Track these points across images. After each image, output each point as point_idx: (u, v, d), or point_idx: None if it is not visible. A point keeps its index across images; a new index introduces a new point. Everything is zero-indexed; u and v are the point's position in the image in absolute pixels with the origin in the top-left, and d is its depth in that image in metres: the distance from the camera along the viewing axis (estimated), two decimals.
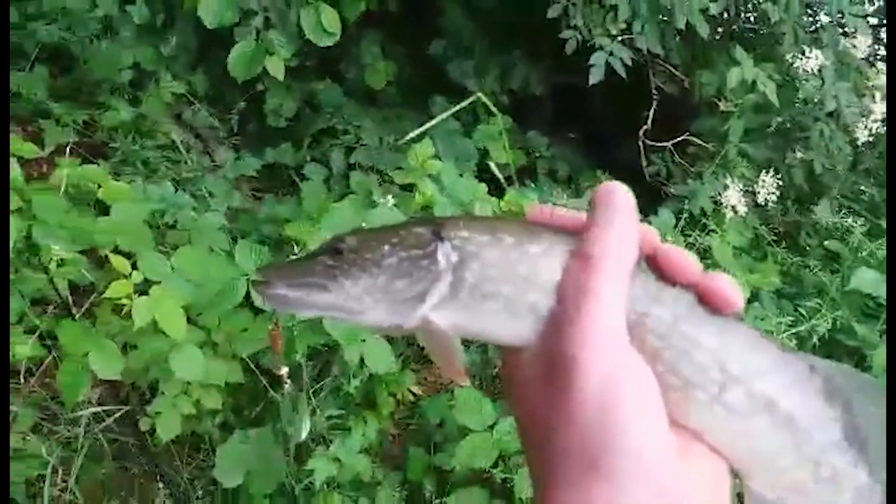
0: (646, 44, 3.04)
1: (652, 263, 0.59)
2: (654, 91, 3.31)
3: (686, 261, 0.59)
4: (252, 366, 2.01)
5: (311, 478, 1.94)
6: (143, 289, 1.87)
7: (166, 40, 3.08)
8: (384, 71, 3.66)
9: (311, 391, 1.98)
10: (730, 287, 0.58)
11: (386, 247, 0.61)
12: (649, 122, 3.31)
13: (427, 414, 2.26)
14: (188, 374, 1.89)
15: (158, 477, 2.23)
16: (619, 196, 0.58)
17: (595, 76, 2.95)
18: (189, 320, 1.92)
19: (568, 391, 0.53)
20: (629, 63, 2.99)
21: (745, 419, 0.57)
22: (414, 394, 2.40)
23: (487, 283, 0.59)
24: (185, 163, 3.01)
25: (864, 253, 2.37)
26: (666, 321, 0.57)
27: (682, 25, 3.01)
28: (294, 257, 0.69)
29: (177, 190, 2.58)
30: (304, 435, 1.81)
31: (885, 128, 3.19)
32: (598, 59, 2.96)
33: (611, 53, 2.98)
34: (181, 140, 3.14)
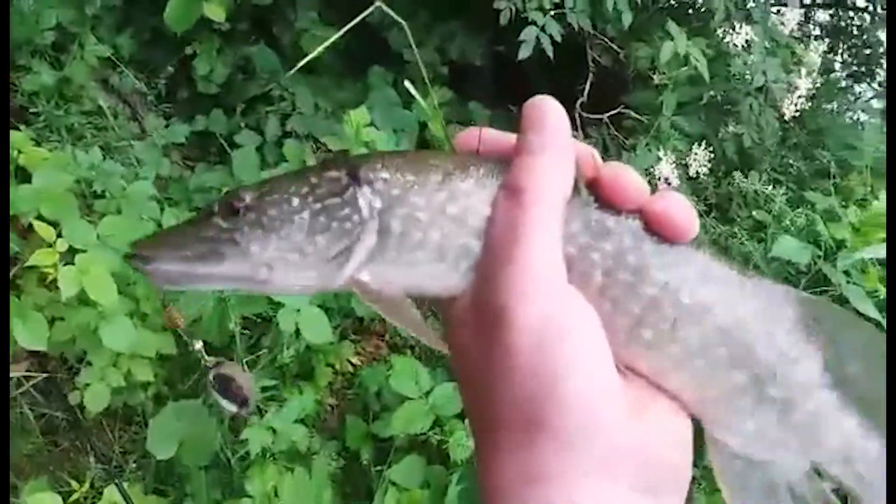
0: (577, 20, 3.03)
1: (593, 189, 0.52)
2: (590, 63, 3.33)
3: (631, 184, 0.51)
4: (185, 337, 1.97)
5: (247, 448, 1.93)
6: (69, 259, 1.81)
7: (90, 0, 2.94)
8: (321, 38, 3.58)
9: (245, 361, 1.95)
10: (681, 211, 0.51)
11: (295, 199, 0.52)
12: (585, 94, 3.33)
13: (365, 383, 2.26)
14: (118, 344, 1.84)
15: (90, 450, 2.18)
16: (550, 116, 0.50)
17: (524, 51, 2.94)
18: (120, 291, 1.87)
19: (500, 342, 0.47)
20: (558, 39, 2.97)
21: (699, 356, 0.51)
22: (353, 364, 2.40)
23: (416, 230, 0.51)
24: (113, 129, 2.90)
25: (786, 221, 2.45)
26: (611, 254, 0.50)
27: (609, 7, 3.01)
28: (179, 223, 0.57)
29: (105, 157, 2.49)
30: (235, 409, 1.78)
31: (809, 104, 3.31)
32: (528, 34, 2.94)
33: (542, 28, 2.96)
34: (108, 106, 3.03)
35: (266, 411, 1.96)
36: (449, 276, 0.51)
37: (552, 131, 0.50)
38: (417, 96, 0.68)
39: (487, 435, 0.50)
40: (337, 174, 0.52)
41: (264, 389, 2.02)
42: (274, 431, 1.92)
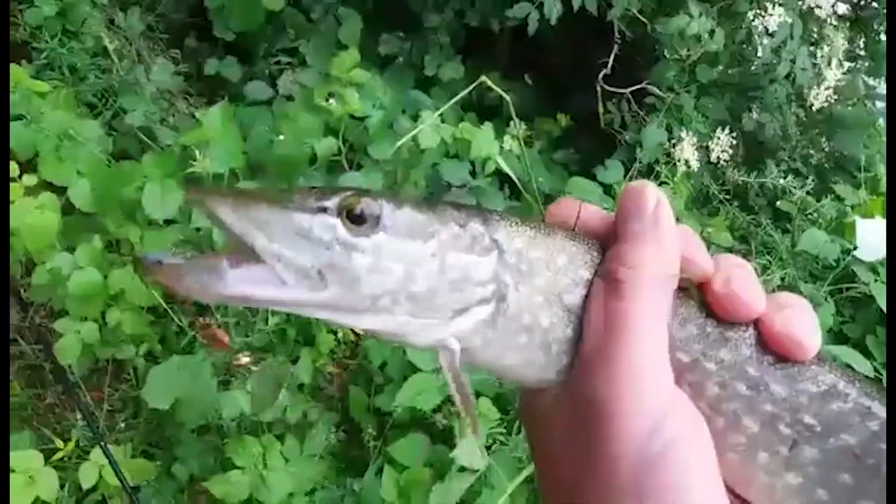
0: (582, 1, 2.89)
1: (705, 293, 0.47)
2: (616, 35, 3.21)
3: (746, 293, 0.46)
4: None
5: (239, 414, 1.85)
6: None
7: None
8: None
9: (237, 322, 1.86)
10: (801, 327, 0.46)
11: (434, 240, 0.43)
12: (609, 67, 3.21)
13: (369, 355, 2.17)
14: (88, 293, 1.75)
15: (76, 408, 2.10)
16: (651, 202, 0.46)
17: (512, 22, 2.77)
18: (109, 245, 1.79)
19: (600, 445, 0.43)
20: (553, 21, 2.83)
21: (820, 485, 0.45)
22: (356, 333, 2.31)
23: (530, 313, 0.45)
24: (117, 72, 2.78)
25: (811, 212, 2.37)
26: (728, 364, 0.46)
27: None
28: (263, 191, 0.42)
29: (106, 100, 2.38)
30: None
31: (836, 97, 3.21)
32: (520, 10, 2.80)
33: (540, 4, 2.80)
34: (114, 48, 2.90)
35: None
36: (546, 368, 0.46)
37: (651, 218, 0.46)
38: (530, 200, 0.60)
39: None
40: (479, 227, 0.45)
41: (256, 349, 1.93)
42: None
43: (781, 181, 2.64)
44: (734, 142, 2.91)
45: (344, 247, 0.42)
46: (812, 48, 3.17)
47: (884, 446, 0.46)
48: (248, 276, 0.40)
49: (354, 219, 0.42)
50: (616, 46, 3.18)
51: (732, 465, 0.46)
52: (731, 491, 0.46)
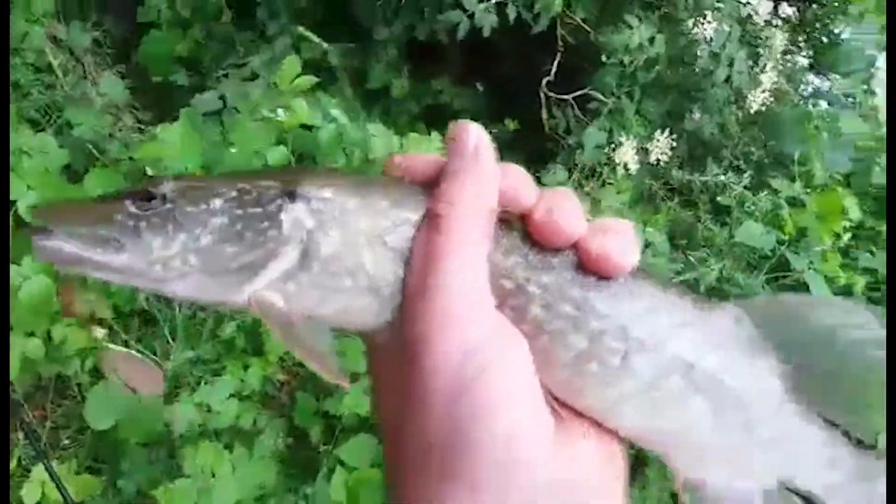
0: (515, 11, 2.94)
1: (526, 223, 0.49)
2: (559, 42, 3.28)
3: (564, 222, 0.48)
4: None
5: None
6: None
7: None
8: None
9: (187, 334, 1.86)
10: (619, 247, 0.48)
11: (217, 201, 0.47)
12: (552, 73, 3.28)
13: None
14: (37, 305, 1.73)
15: (17, 426, 2.06)
16: (469, 139, 0.48)
17: (439, 26, 2.82)
18: None
19: (417, 377, 0.44)
20: (487, 33, 2.87)
21: (653, 389, 0.48)
22: None
23: (350, 256, 0.47)
24: (61, 87, 2.76)
25: (748, 205, 2.44)
26: (551, 288, 0.48)
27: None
28: (89, 196, 0.55)
29: (49, 117, 2.37)
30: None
31: (772, 99, 3.32)
32: (449, 18, 2.85)
33: (471, 16, 2.84)
34: (58, 63, 2.88)
35: (197, 388, 1.87)
36: (380, 312, 0.47)
37: (471, 155, 0.47)
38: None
39: (396, 473, 0.46)
40: (271, 184, 0.48)
41: (205, 362, 1.93)
42: (209, 409, 1.84)
43: (721, 177, 2.72)
44: (674, 143, 2.99)
45: (134, 219, 0.47)
46: (751, 50, 3.27)
47: (711, 353, 0.48)
48: (61, 237, 0.46)
49: (144, 197, 0.47)
50: (559, 54, 3.25)
51: (563, 379, 0.48)
52: (563, 405, 0.47)
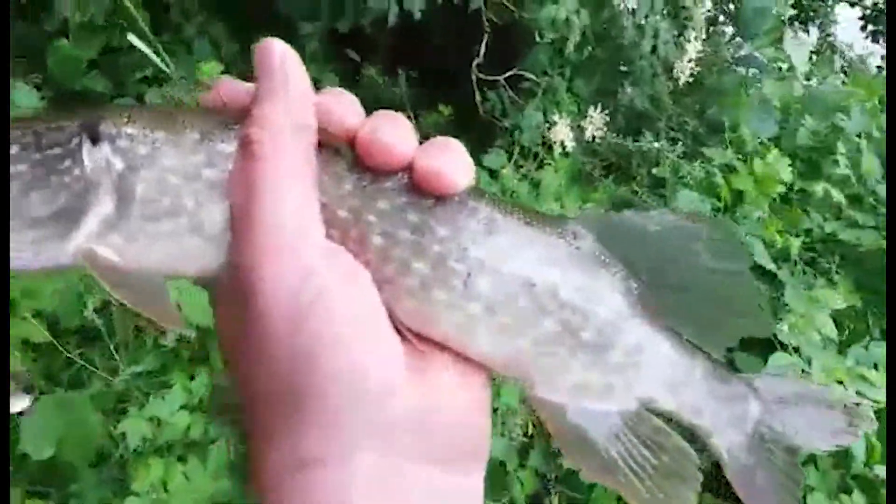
0: None
1: (354, 147, 0.47)
2: (485, 23, 3.27)
3: (396, 136, 0.46)
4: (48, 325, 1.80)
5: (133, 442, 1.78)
6: None
7: None
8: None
9: (127, 346, 1.80)
10: (448, 159, 0.46)
11: (14, 147, 0.43)
12: (481, 55, 3.27)
13: None
14: None
15: None
16: (275, 58, 0.45)
17: (369, 14, 2.83)
18: None
19: (251, 319, 0.42)
20: (417, 15, 2.85)
21: (501, 311, 0.47)
22: None
23: (165, 196, 0.44)
24: None
25: (683, 175, 2.48)
26: (388, 213, 0.46)
27: None
28: None
29: None
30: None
31: (699, 69, 3.38)
32: (378, 2, 2.82)
33: (400, 1, 2.82)
34: None
35: (146, 402, 1.82)
36: (207, 253, 0.45)
37: (278, 73, 0.45)
38: (144, 48, 0.60)
39: (250, 422, 0.44)
40: (66, 123, 0.44)
41: (150, 374, 1.87)
42: (159, 422, 1.78)
43: (655, 145, 2.75)
44: (607, 118, 3.02)
45: None
46: (675, 22, 3.32)
47: (553, 270, 0.48)
48: None
49: None
50: (486, 35, 3.25)
51: (413, 308, 0.46)
52: (417, 336, 0.46)
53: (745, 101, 2.88)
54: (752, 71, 3.40)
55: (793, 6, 4.01)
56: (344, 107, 0.46)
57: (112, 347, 1.96)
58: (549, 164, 2.75)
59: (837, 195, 2.36)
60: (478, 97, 3.30)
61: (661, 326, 0.49)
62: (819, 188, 2.38)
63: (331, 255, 0.44)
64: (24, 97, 2.46)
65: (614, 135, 3.07)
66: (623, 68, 3.36)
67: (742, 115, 2.74)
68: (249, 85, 0.47)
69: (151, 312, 0.44)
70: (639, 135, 3.11)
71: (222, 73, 2.15)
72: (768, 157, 2.24)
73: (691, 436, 0.51)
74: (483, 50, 3.23)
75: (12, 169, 0.43)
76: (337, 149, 0.47)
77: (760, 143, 2.55)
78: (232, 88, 0.48)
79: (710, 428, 0.51)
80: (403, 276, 0.46)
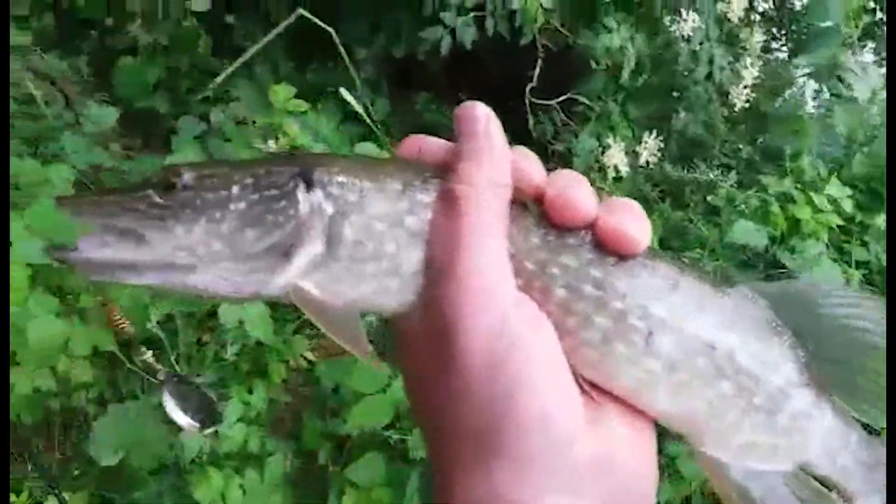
0: (494, 25, 2.97)
1: (541, 204, 0.50)
2: (539, 48, 3.30)
3: (577, 203, 0.49)
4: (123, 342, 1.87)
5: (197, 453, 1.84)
6: None
7: None
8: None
9: (188, 358, 1.86)
10: (632, 222, 0.49)
11: (235, 187, 0.48)
12: (535, 79, 3.30)
13: (322, 380, 2.18)
14: (44, 345, 1.72)
15: (27, 458, 2.05)
16: (480, 121, 0.49)
17: (424, 45, 2.87)
18: (58, 290, 1.76)
19: (451, 359, 0.45)
20: (468, 46, 2.89)
21: (679, 370, 0.49)
22: (308, 360, 2.31)
23: (370, 240, 0.48)
24: (45, 117, 2.75)
25: (737, 204, 2.46)
26: (572, 268, 0.49)
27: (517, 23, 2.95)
28: (110, 187, 0.53)
29: (36, 148, 2.36)
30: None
31: (755, 94, 3.35)
32: (431, 33, 2.87)
33: (451, 31, 2.87)
34: (41, 94, 2.87)
35: None
36: (402, 293, 0.49)
37: (483, 136, 0.48)
38: (354, 103, 0.64)
39: (443, 457, 0.47)
40: (285, 169, 0.49)
41: (210, 386, 1.92)
42: (215, 434, 1.83)
43: (711, 175, 2.74)
44: (662, 144, 3.02)
45: (157, 208, 0.48)
46: (730, 49, 3.31)
47: (735, 335, 0.50)
48: (85, 246, 0.47)
49: (165, 186, 0.48)
50: (540, 60, 3.28)
51: (591, 360, 0.49)
52: (595, 388, 0.49)
53: (809, 127, 2.85)
54: (812, 95, 3.35)
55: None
56: (532, 166, 0.50)
57: (174, 359, 2.03)
58: (602, 189, 2.75)
59: None
60: (531, 121, 3.34)
61: (825, 394, 0.51)
62: (880, 220, 2.34)
63: (521, 304, 0.47)
64: (103, 115, 2.57)
65: (668, 162, 3.07)
66: (676, 94, 3.36)
67: (805, 142, 2.71)
68: (443, 141, 0.52)
69: (346, 341, 0.48)
70: (692, 161, 3.09)
71: (290, 91, 2.21)
72: (828, 188, 2.22)
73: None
74: (536, 74, 3.26)
75: (231, 206, 0.48)
76: (524, 204, 0.50)
77: (819, 173, 2.52)
78: (427, 143, 0.52)
79: (858, 492, 0.53)
80: (584, 330, 0.48)
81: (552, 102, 3.36)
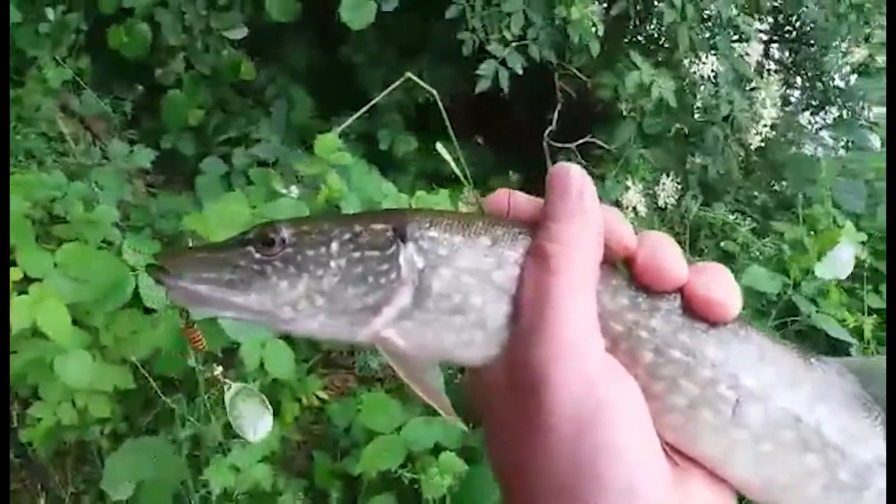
0: (539, 53, 3.03)
1: (631, 266, 0.50)
2: (558, 93, 3.35)
3: (669, 264, 0.49)
4: (144, 371, 1.89)
5: (209, 488, 1.84)
6: (23, 288, 1.73)
7: (45, 18, 2.87)
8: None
9: (207, 397, 1.88)
10: (722, 291, 0.49)
11: (335, 244, 0.50)
12: (554, 123, 3.35)
13: (334, 419, 2.19)
14: (75, 379, 1.76)
15: (41, 491, 2.08)
16: (575, 181, 0.50)
17: (482, 85, 2.93)
18: (74, 321, 1.80)
19: (536, 417, 0.46)
20: (520, 72, 2.96)
21: (765, 441, 0.48)
22: (320, 399, 2.33)
23: (458, 293, 0.49)
24: (73, 155, 2.82)
25: (752, 250, 2.46)
26: (661, 332, 0.49)
27: (576, 40, 3.01)
28: (208, 243, 0.55)
29: (70, 181, 2.42)
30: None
31: (773, 134, 3.37)
32: (487, 68, 2.93)
33: (503, 62, 2.94)
34: (69, 132, 2.96)
35: (230, 449, 1.88)
36: (487, 346, 0.49)
37: (577, 197, 0.49)
38: (450, 159, 0.66)
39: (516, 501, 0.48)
40: (383, 227, 0.51)
41: (227, 427, 1.94)
42: (237, 470, 1.84)
43: (726, 220, 2.75)
44: (679, 186, 3.04)
45: (259, 263, 0.50)
46: (748, 91, 3.34)
47: (824, 409, 0.49)
48: (190, 277, 0.50)
49: (265, 242, 0.51)
50: (559, 104, 3.32)
51: (676, 426, 0.48)
52: (677, 452, 0.48)
53: (829, 174, 2.85)
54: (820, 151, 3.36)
55: None
56: (623, 227, 0.50)
57: (193, 397, 2.04)
58: None
59: None
60: (549, 163, 3.36)
61: None
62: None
63: (609, 366, 0.47)
64: (138, 155, 2.63)
65: (685, 205, 3.09)
66: (693, 139, 3.39)
67: (819, 190, 2.71)
68: (531, 197, 0.53)
69: (430, 396, 0.49)
70: (708, 205, 3.11)
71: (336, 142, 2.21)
72: (842, 235, 2.22)
73: None
74: (556, 118, 3.31)
75: (332, 263, 0.50)
76: (615, 264, 0.50)
77: (834, 220, 2.52)
78: (516, 198, 0.53)
79: None
80: (672, 394, 0.48)
81: (571, 146, 3.40)
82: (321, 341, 0.52)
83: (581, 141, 3.35)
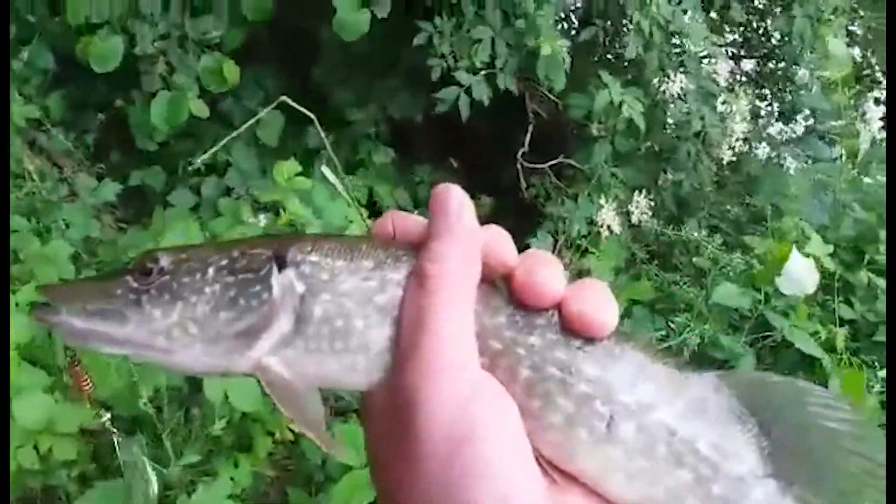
0: (505, 82, 3.04)
1: (510, 284, 0.50)
2: (530, 114, 3.36)
3: (545, 283, 0.49)
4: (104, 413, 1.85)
5: None
6: None
7: (16, 58, 2.86)
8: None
9: (174, 433, 1.84)
10: (597, 304, 0.49)
11: (211, 270, 0.50)
12: (526, 144, 3.36)
13: (308, 454, 2.15)
14: (33, 421, 1.72)
15: None
16: (452, 201, 0.49)
17: (442, 107, 2.95)
18: (35, 363, 1.77)
19: (409, 437, 0.45)
20: (486, 102, 2.97)
21: (639, 456, 0.48)
22: (293, 432, 2.29)
23: (339, 318, 0.49)
24: (39, 193, 2.79)
25: (722, 266, 2.47)
26: (538, 349, 0.49)
27: (542, 76, 3.02)
28: (90, 275, 0.55)
29: (30, 220, 2.39)
30: (153, 491, 1.66)
31: (746, 147, 3.40)
32: (448, 93, 2.94)
33: (467, 89, 2.95)
34: (35, 168, 2.93)
35: (195, 489, 1.84)
36: (371, 370, 0.49)
37: (454, 216, 0.49)
38: (336, 182, 0.65)
39: None
40: (261, 251, 0.50)
41: (190, 466, 1.90)
42: None
43: (695, 235, 2.76)
44: (653, 203, 3.05)
45: (135, 293, 0.50)
46: (719, 106, 3.37)
47: (699, 424, 0.49)
48: (70, 312, 0.49)
49: (143, 272, 0.50)
50: (531, 125, 3.34)
51: (553, 443, 0.48)
52: (556, 469, 0.48)
53: (798, 186, 2.87)
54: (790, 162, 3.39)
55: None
56: (504, 246, 0.50)
57: (161, 435, 2.00)
58: (593, 253, 2.77)
59: (882, 283, 2.31)
60: (522, 184, 3.37)
61: (787, 488, 0.50)
62: (863, 275, 2.34)
63: (484, 384, 0.47)
64: (103, 189, 2.61)
65: (659, 222, 3.09)
66: (665, 156, 3.41)
67: (789, 203, 2.73)
68: (419, 218, 0.52)
69: (310, 429, 0.48)
70: (681, 223, 3.12)
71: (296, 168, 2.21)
72: (809, 246, 2.23)
73: None
74: (528, 139, 3.31)
75: (207, 289, 0.49)
76: (494, 283, 0.50)
77: (803, 232, 2.53)
78: (402, 220, 0.53)
79: None
80: (548, 411, 0.48)
81: (544, 166, 3.41)
82: (205, 374, 0.51)
83: (553, 161, 3.35)
